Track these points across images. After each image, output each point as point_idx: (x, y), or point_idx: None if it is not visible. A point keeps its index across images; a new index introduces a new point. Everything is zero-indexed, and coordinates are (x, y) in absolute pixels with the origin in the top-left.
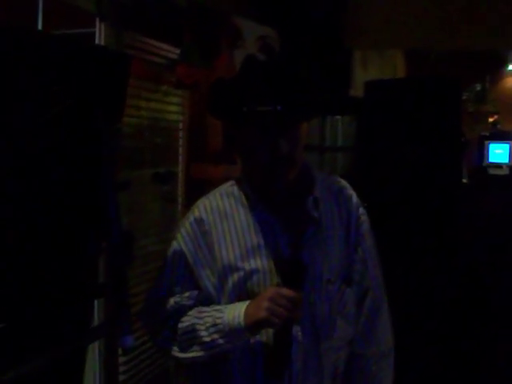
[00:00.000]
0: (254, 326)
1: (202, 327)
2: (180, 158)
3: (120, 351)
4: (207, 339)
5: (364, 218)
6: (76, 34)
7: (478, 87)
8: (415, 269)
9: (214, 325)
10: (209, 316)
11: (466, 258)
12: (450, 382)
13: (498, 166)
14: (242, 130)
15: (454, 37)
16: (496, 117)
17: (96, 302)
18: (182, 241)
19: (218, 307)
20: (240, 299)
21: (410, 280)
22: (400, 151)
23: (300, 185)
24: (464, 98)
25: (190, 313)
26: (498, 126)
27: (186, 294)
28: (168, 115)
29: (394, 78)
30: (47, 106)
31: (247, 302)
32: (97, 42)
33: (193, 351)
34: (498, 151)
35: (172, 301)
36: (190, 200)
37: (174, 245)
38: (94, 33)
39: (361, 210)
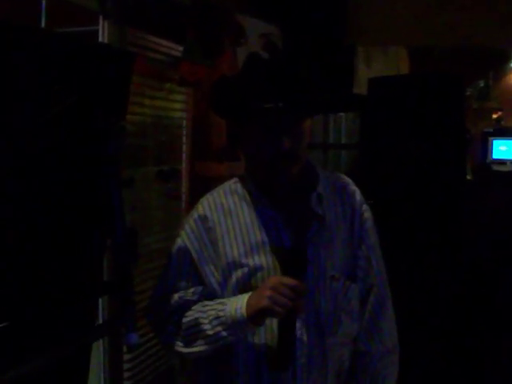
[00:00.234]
0: (256, 315)
1: (206, 321)
2: (184, 155)
3: (125, 349)
4: (210, 332)
5: (368, 214)
6: (79, 31)
7: (482, 84)
8: (419, 265)
9: (217, 317)
10: (212, 309)
11: (470, 254)
12: (453, 378)
13: (502, 162)
14: (245, 128)
15: (456, 34)
16: (500, 113)
17: (101, 299)
18: (186, 237)
19: (220, 300)
20: None
21: (414, 276)
22: (404, 148)
23: (304, 181)
24: (467, 94)
25: (194, 307)
26: (502, 123)
27: (191, 290)
28: (172, 113)
29: (398, 75)
30: (48, 106)
31: (250, 293)
32: (100, 39)
33: (197, 345)
34: (502, 148)
35: (176, 296)
36: (194, 197)
37: (179, 241)
38: (97, 31)
39: (364, 206)
